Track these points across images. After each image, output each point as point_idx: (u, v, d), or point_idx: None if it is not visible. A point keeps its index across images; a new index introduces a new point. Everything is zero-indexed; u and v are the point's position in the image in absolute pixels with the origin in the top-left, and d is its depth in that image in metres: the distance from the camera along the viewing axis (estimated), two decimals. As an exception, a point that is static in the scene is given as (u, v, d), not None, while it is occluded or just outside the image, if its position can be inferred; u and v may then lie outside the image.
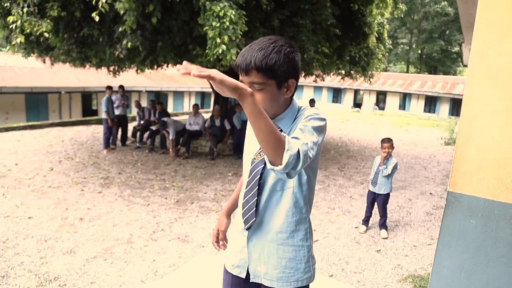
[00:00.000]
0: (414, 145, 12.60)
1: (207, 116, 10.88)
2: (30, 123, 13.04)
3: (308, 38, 6.61)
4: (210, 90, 14.89)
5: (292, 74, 1.32)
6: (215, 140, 8.62)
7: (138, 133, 9.97)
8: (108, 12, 4.85)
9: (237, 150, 8.65)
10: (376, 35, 9.82)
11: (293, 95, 1.41)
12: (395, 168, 4.58)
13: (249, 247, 1.50)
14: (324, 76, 11.95)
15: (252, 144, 1.49)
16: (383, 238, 4.55)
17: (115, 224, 4.65)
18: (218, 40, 4.53)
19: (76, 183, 6.33)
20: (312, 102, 10.75)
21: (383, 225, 4.70)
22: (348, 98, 30.77)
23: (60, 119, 17.10)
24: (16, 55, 10.14)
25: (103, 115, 9.04)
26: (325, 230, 4.71)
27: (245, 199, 1.46)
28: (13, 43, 5.95)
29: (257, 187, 1.42)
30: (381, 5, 8.65)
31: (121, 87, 9.40)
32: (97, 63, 7.65)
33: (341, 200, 5.96)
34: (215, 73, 1.06)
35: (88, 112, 19.40)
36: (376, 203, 4.76)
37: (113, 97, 9.12)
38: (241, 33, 4.89)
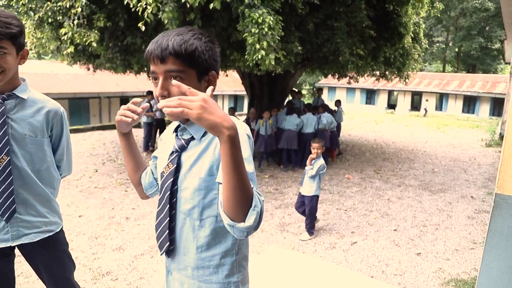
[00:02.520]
0: (452, 147, 12.25)
1: (241, 119, 11.06)
2: (73, 127, 13.72)
3: (343, 41, 6.63)
4: (243, 93, 15.08)
5: (213, 66, 1.18)
6: (251, 143, 8.74)
7: (175, 136, 10.27)
8: (152, 21, 5.09)
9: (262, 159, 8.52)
10: (412, 35, 9.66)
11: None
12: (321, 169, 4.30)
13: (168, 281, 1.32)
14: (358, 77, 11.87)
15: (164, 155, 1.30)
16: (301, 240, 4.44)
17: (159, 223, 4.86)
18: (257, 46, 4.67)
19: (120, 184, 6.64)
20: (338, 103, 10.69)
21: (308, 228, 4.54)
22: (382, 99, 30.19)
23: (100, 122, 17.86)
24: (59, 63, 10.75)
25: (143, 119, 9.40)
26: (363, 232, 4.73)
27: (158, 220, 1.24)
28: (64, 53, 6.35)
29: (168, 206, 1.21)
30: (417, 4, 8.52)
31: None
32: (138, 69, 7.99)
33: (378, 203, 5.93)
34: (197, 107, 0.90)
35: (126, 116, 20.12)
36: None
37: (152, 102, 9.48)
38: (279, 38, 5.00)
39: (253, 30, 4.72)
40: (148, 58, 1.14)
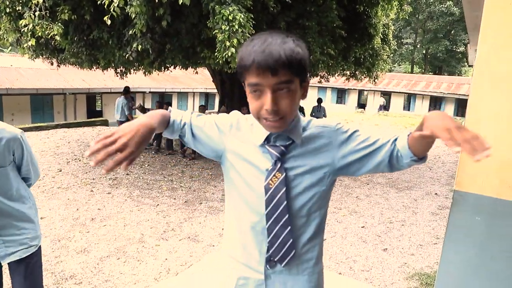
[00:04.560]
0: (419, 145, 12.62)
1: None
2: (36, 125, 13.14)
3: (314, 40, 6.68)
4: (214, 91, 14.96)
5: (307, 72, 1.11)
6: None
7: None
8: (119, 15, 4.95)
9: None
10: (381, 36, 9.89)
11: None
12: None
13: (268, 285, 1.26)
14: (328, 77, 12.03)
15: (255, 168, 1.18)
16: None
17: (126, 224, 4.74)
18: (227, 43, 4.63)
19: (85, 184, 6.44)
20: (319, 101, 10.88)
21: None
22: (352, 98, 30.76)
23: (65, 120, 17.21)
24: (20, 56, 10.30)
25: (119, 117, 9.13)
26: (332, 230, 4.79)
27: (273, 234, 1.17)
28: (24, 46, 6.07)
29: (287, 216, 1.15)
30: (386, 6, 8.71)
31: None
32: (105, 65, 7.75)
33: (347, 200, 6.03)
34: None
35: (93, 113, 19.53)
36: None
37: (120, 99, 9.25)
38: (249, 35, 4.97)
39: (223, 27, 4.67)
40: (250, 69, 1.00)
